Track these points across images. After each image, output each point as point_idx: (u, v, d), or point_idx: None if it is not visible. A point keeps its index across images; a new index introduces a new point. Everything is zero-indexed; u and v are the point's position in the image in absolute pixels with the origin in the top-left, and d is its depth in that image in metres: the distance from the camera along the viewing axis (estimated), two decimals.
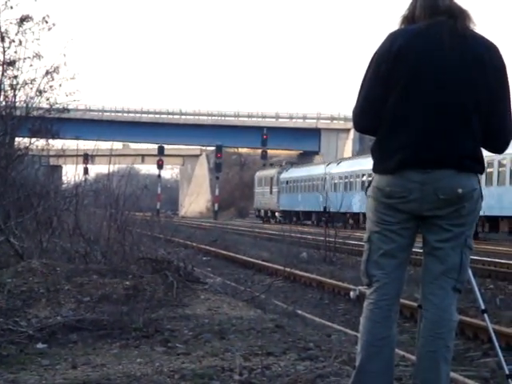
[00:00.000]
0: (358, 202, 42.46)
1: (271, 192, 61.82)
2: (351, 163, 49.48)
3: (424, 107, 4.00)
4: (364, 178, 44.97)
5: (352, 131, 75.03)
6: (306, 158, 77.24)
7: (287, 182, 58.90)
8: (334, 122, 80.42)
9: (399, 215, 4.06)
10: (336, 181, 50.08)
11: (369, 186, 4.17)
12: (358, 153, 69.94)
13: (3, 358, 6.03)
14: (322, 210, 48.87)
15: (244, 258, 21.30)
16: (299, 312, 10.74)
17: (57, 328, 7.00)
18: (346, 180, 48.59)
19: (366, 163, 43.62)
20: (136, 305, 7.62)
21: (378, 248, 4.10)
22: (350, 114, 75.40)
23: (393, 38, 4.04)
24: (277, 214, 61.08)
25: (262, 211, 65.01)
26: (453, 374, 6.00)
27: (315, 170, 54.99)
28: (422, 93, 4.00)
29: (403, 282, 4.15)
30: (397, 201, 4.05)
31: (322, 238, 22.98)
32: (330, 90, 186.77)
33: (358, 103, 4.14)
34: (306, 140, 77.72)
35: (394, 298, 4.10)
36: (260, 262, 19.94)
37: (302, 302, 12.89)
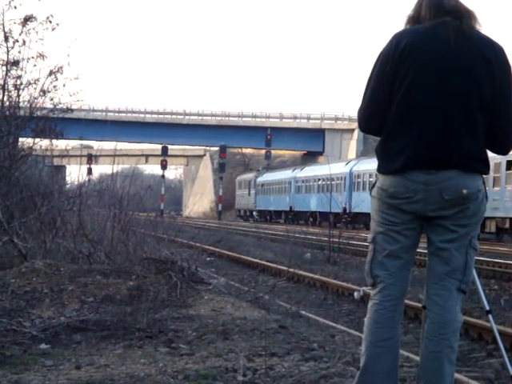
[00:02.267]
0: (315, 202, 51.28)
1: (249, 194, 69.22)
2: (311, 169, 57.29)
3: (429, 107, 3.99)
4: (320, 182, 52.56)
5: (356, 131, 74.94)
6: (310, 158, 77.19)
7: (262, 185, 66.17)
8: (338, 122, 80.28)
9: (403, 216, 4.05)
10: (299, 184, 57.32)
11: (373, 186, 4.16)
12: (361, 153, 70.07)
13: (7, 358, 6.03)
14: (288, 209, 57.93)
15: (248, 258, 21.29)
16: (303, 312, 10.72)
17: (60, 328, 7.00)
18: (307, 183, 55.67)
19: (321, 169, 52.62)
20: (140, 305, 7.61)
21: (383, 248, 4.08)
22: (354, 115, 75.21)
23: (398, 38, 4.03)
24: (254, 213, 68.09)
25: (242, 211, 72.42)
26: (457, 375, 5.98)
27: (283, 174, 62.35)
28: (426, 93, 3.99)
29: (407, 283, 4.14)
30: (401, 201, 4.04)
31: (325, 239, 22.99)
32: (334, 91, 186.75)
33: (362, 103, 4.13)
34: (310, 140, 77.61)
35: (399, 298, 4.09)
36: (264, 262, 19.92)
37: (305, 303, 12.86)
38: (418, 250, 4.21)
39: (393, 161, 4.04)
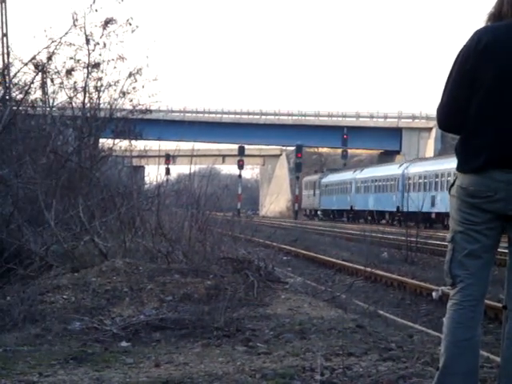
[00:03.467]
0: (372, 202, 56.14)
1: (314, 194, 72.78)
2: (370, 170, 61.06)
3: (509, 106, 3.93)
4: (376, 183, 56.06)
5: (434, 130, 74.05)
6: (386, 157, 76.60)
7: (326, 186, 69.78)
8: (416, 120, 79.41)
9: (484, 215, 4.00)
10: (359, 184, 60.65)
11: (452, 185, 4.12)
12: (440, 152, 69.36)
13: (88, 355, 6.14)
14: (349, 208, 61.77)
15: (324, 257, 21.26)
16: (380, 312, 10.67)
17: (140, 327, 7.10)
18: (366, 184, 58.97)
19: (378, 171, 57.48)
20: (217, 304, 7.67)
21: (462, 248, 4.04)
22: (431, 113, 74.51)
23: (479, 35, 3.98)
24: (318, 212, 71.96)
25: (308, 210, 75.90)
26: None
27: (345, 175, 65.84)
28: (507, 91, 3.93)
29: (488, 283, 4.09)
30: (481, 200, 3.99)
31: (403, 238, 22.81)
32: (412, 89, 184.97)
33: (442, 101, 4.09)
34: (386, 139, 76.99)
35: (479, 298, 4.04)
36: (340, 261, 19.87)
37: (383, 302, 12.79)
38: (498, 250, 4.15)
39: (473, 159, 3.99)
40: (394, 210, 51.32)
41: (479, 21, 4.10)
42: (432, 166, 47.71)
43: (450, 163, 42.63)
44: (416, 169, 49.65)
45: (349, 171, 66.78)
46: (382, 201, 54.08)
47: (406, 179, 50.95)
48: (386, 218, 53.94)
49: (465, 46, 4.01)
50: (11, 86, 14.63)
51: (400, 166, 53.85)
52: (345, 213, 64.60)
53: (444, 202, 42.24)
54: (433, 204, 42.56)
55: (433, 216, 43.80)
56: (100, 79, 15.60)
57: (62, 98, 15.73)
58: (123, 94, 16.04)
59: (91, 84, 15.53)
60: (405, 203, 46.78)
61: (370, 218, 56.61)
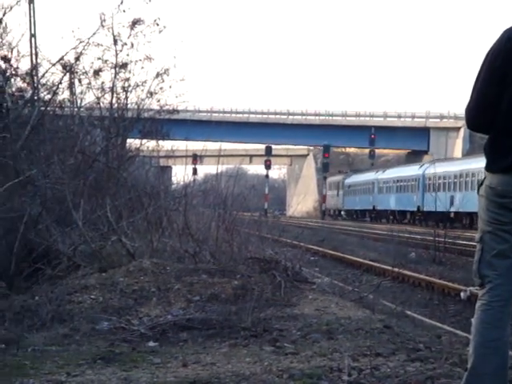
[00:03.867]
0: (394, 202, 58.01)
1: (338, 194, 74.04)
2: (391, 171, 62.68)
3: None
4: (398, 183, 57.61)
5: (462, 130, 73.63)
6: (414, 157, 76.27)
7: (349, 186, 71.14)
8: (444, 120, 78.98)
9: None
10: (381, 185, 62.30)
11: (481, 184, 4.09)
12: (468, 152, 69.09)
13: (116, 355, 6.16)
14: (371, 208, 63.26)
15: (351, 257, 21.21)
16: (408, 312, 10.62)
17: (167, 327, 7.12)
18: (388, 184, 60.77)
19: (400, 171, 59.24)
20: (244, 304, 7.67)
21: (491, 248, 4.01)
22: (460, 113, 74.06)
23: (508, 34, 3.95)
24: (342, 212, 73.70)
25: (332, 210, 77.25)
26: None
27: (368, 176, 66.90)
28: None
29: None
30: (510, 200, 3.96)
31: (431, 238, 22.71)
32: (440, 88, 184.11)
33: (471, 100, 4.06)
34: (414, 139, 76.66)
35: (508, 299, 4.01)
36: (368, 261, 19.82)
37: (410, 303, 12.73)
38: None
39: (501, 159, 3.96)
40: (415, 209, 52.95)
41: (509, 19, 4.06)
42: (451, 166, 49.23)
43: (469, 164, 44.19)
44: (436, 169, 50.91)
45: (371, 172, 67.85)
46: (403, 201, 55.72)
47: (427, 179, 52.27)
48: (407, 218, 55.87)
49: (494, 44, 3.99)
50: (39, 86, 14.71)
51: (420, 166, 55.43)
52: (367, 213, 65.86)
53: (462, 202, 42.61)
54: (452, 204, 43.05)
55: (451, 215, 44.35)
56: (127, 79, 15.68)
57: (89, 98, 15.82)
58: (150, 94, 16.12)
59: (119, 84, 15.61)
60: (425, 203, 49.00)
61: (391, 217, 58.41)
